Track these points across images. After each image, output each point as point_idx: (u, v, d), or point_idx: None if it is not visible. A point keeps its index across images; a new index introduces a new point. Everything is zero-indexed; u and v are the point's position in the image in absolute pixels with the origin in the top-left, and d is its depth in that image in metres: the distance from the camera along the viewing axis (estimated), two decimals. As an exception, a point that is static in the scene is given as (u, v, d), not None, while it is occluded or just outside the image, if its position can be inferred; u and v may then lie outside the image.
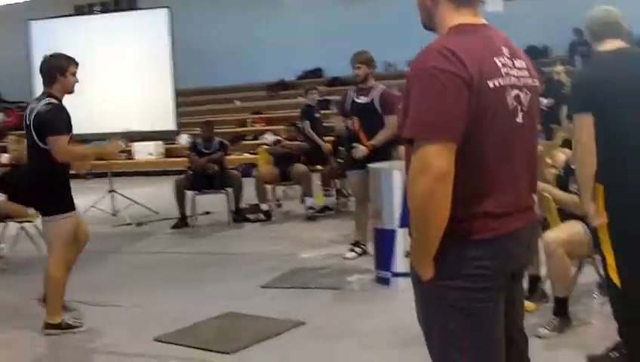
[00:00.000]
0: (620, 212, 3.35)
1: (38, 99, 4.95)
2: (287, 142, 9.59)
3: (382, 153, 6.42)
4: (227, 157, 9.53)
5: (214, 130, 9.67)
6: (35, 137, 4.83)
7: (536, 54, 15.24)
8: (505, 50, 2.19)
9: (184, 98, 15.81)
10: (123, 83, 10.14)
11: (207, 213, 9.62)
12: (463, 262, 2.12)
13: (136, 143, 16.17)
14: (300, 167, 9.27)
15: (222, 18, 18.07)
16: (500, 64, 2.13)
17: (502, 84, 2.11)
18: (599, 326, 4.36)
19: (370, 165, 5.95)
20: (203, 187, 9.11)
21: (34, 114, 4.83)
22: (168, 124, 10.19)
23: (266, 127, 17.11)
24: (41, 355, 4.77)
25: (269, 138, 16.11)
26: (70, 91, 4.98)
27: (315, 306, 5.31)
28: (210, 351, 4.48)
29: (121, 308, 5.62)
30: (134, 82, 10.10)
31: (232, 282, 6.19)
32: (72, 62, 4.98)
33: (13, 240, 7.73)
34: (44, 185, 4.91)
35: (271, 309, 5.27)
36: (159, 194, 11.85)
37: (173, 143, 17.34)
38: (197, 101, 17.86)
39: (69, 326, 5.02)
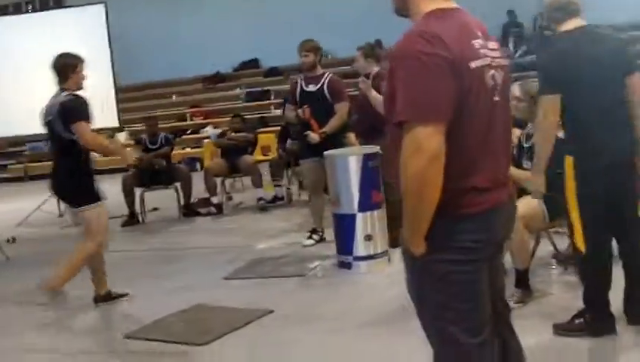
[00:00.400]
0: (590, 176, 3.60)
1: (56, 96, 5.24)
2: (234, 134, 9.59)
3: (333, 140, 6.50)
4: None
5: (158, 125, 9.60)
6: (62, 128, 5.08)
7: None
8: (479, 33, 2.30)
9: (121, 94, 15.60)
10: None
11: (156, 209, 9.58)
12: (453, 235, 2.23)
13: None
14: (248, 159, 9.30)
15: (152, 11, 17.85)
16: (477, 45, 2.24)
17: (481, 64, 2.22)
18: (560, 295, 4.58)
19: (326, 152, 6.03)
20: (151, 183, 9.06)
21: (57, 107, 5.12)
22: (112, 120, 10.02)
23: (205, 120, 17.04)
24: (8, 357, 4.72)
25: (211, 131, 16.11)
26: (80, 87, 5.27)
27: (281, 294, 5.39)
28: (183, 343, 4.51)
29: (85, 306, 5.58)
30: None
31: (194, 275, 6.22)
32: (80, 59, 5.33)
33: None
34: (77, 178, 5.25)
35: (237, 300, 5.31)
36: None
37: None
38: (134, 97, 17.61)
39: (119, 295, 5.54)
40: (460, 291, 2.27)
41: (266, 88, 17.64)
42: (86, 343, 4.82)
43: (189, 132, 16.59)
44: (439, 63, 2.11)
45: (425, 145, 2.08)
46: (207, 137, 15.61)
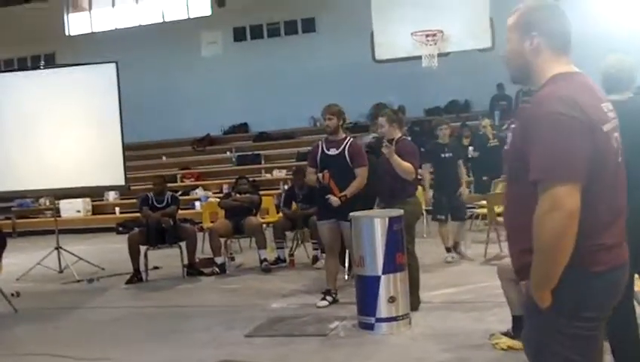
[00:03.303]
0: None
1: None
2: (238, 195, 9.71)
3: (352, 204, 6.64)
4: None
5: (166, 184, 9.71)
6: None
7: (458, 109, 16.08)
8: (603, 96, 2.48)
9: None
10: (68, 138, 10.02)
11: (157, 267, 9.59)
12: (580, 292, 2.34)
13: (62, 201, 15.88)
14: (253, 220, 9.42)
15: (145, 74, 18.09)
16: (605, 109, 2.41)
17: (610, 127, 2.39)
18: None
19: (352, 214, 6.17)
20: (157, 241, 9.10)
21: None
22: (119, 179, 10.10)
23: (196, 182, 17.15)
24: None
25: (201, 193, 16.22)
26: None
27: (307, 352, 5.45)
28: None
29: (109, 361, 5.59)
30: (80, 138, 10.00)
31: (213, 332, 6.25)
32: None
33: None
34: None
35: (262, 357, 5.39)
36: (100, 250, 11.71)
37: (101, 200, 17.13)
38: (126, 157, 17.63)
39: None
40: (582, 346, 2.38)
41: (256, 152, 17.88)
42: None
43: (179, 193, 16.63)
44: (578, 125, 2.24)
45: (563, 203, 2.20)
46: (198, 199, 15.73)
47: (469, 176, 11.21)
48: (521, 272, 2.40)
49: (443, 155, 8.87)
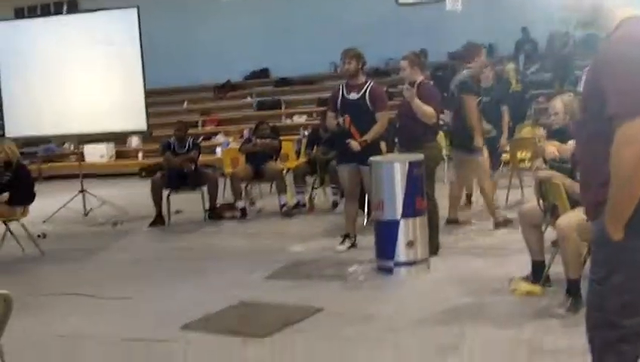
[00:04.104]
0: None
1: None
2: (259, 140, 9.72)
3: (371, 149, 6.65)
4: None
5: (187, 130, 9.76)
6: None
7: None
8: None
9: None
10: (91, 84, 10.08)
11: (178, 211, 9.68)
12: None
13: (86, 145, 16.01)
14: (273, 165, 9.46)
15: (165, 19, 17.95)
16: None
17: None
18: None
19: (372, 158, 6.18)
20: (179, 186, 9.19)
21: None
22: (140, 124, 10.16)
23: (218, 128, 17.19)
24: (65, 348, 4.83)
25: (222, 139, 16.26)
26: None
27: (327, 294, 5.52)
28: (244, 335, 4.65)
29: (133, 300, 5.71)
30: (103, 83, 10.05)
31: (234, 274, 6.35)
32: None
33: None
34: None
35: (283, 298, 5.46)
36: (123, 194, 11.84)
37: (124, 145, 17.23)
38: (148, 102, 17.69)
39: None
40: None
41: (276, 98, 17.83)
42: (142, 332, 4.92)
43: (200, 139, 16.69)
44: None
45: (639, 136, 2.31)
46: (219, 145, 15.77)
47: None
48: (598, 207, 2.50)
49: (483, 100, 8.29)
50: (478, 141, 7.16)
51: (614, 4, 2.54)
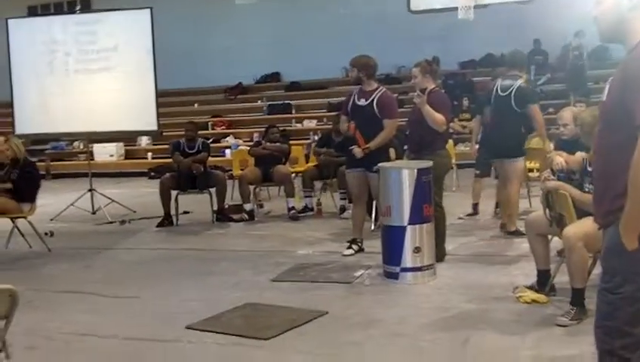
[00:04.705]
0: None
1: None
2: (269, 144, 9.75)
3: (379, 155, 6.66)
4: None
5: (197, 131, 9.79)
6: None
7: (494, 62, 15.84)
8: None
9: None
10: (103, 82, 10.15)
11: (187, 212, 9.72)
12: None
13: (96, 144, 16.09)
14: (282, 169, 9.48)
15: (180, 21, 18.04)
16: None
17: None
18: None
19: (381, 164, 6.20)
20: (187, 187, 9.22)
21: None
22: (151, 124, 10.21)
23: (227, 130, 17.23)
24: (67, 344, 4.85)
25: (232, 141, 16.32)
26: None
27: (332, 298, 5.53)
28: (247, 337, 4.66)
29: (138, 299, 5.74)
30: (115, 82, 10.12)
31: (241, 276, 6.37)
32: None
33: (7, 237, 7.74)
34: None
35: (288, 301, 5.47)
36: (131, 194, 11.90)
37: (134, 145, 17.31)
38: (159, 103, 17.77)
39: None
40: None
41: (287, 102, 17.88)
42: (146, 331, 4.94)
43: (210, 141, 16.73)
44: None
45: None
46: (229, 147, 15.82)
47: None
48: (610, 216, 2.55)
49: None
50: (547, 145, 7.21)
51: (637, 19, 2.57)
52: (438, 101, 6.46)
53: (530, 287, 5.21)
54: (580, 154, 5.02)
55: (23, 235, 7.76)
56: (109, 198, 10.23)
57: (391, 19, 15.59)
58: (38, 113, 10.57)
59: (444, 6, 10.60)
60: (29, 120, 10.69)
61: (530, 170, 8.45)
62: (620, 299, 2.55)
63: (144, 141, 17.12)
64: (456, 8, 10.51)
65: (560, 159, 5.43)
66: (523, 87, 7.29)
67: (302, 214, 9.36)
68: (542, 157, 7.40)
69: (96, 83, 10.21)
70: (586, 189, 4.77)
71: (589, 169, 4.87)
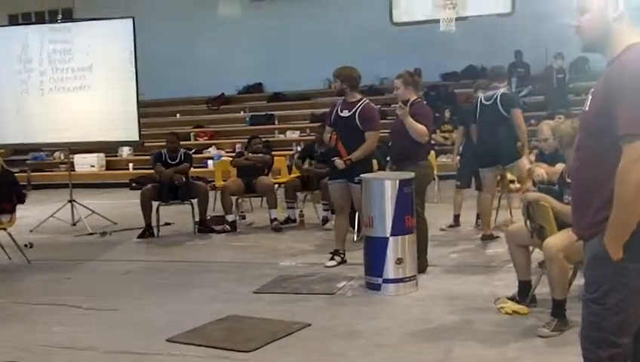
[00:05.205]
0: None
1: None
2: (251, 154, 9.73)
3: (361, 166, 6.66)
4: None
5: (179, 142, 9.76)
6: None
7: (475, 74, 15.96)
8: None
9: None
10: (84, 93, 10.08)
11: (168, 223, 9.67)
12: None
13: (77, 155, 15.99)
14: (265, 180, 9.46)
15: (160, 31, 17.99)
16: None
17: None
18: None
19: (363, 175, 6.21)
20: (169, 198, 9.18)
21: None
22: (133, 134, 10.15)
23: (209, 141, 17.19)
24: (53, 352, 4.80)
25: (214, 152, 16.27)
26: None
27: (314, 309, 5.52)
28: (229, 349, 4.63)
29: (119, 311, 5.69)
30: (97, 92, 10.06)
31: (223, 288, 6.33)
32: None
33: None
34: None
35: (271, 313, 5.45)
36: (112, 205, 11.82)
37: (115, 156, 17.21)
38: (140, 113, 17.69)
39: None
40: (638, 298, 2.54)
41: (270, 113, 17.88)
42: (126, 344, 4.90)
43: (192, 151, 16.68)
44: None
45: None
46: (211, 157, 15.78)
47: None
48: (593, 228, 2.56)
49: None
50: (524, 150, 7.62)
51: (622, 29, 2.59)
52: (420, 112, 6.48)
53: (512, 298, 5.23)
54: (560, 166, 5.06)
55: (2, 247, 7.69)
56: (89, 209, 10.15)
57: (373, 31, 15.63)
58: (17, 123, 10.47)
59: (427, 18, 10.62)
60: (8, 130, 10.59)
61: (511, 181, 8.49)
62: (605, 310, 2.56)
63: (125, 151, 17.03)
64: (437, 21, 10.55)
65: (540, 171, 5.48)
66: (506, 92, 7.75)
67: (284, 225, 9.33)
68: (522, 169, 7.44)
69: (77, 93, 10.12)
70: (566, 200, 4.80)
71: (568, 180, 4.91)
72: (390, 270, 5.85)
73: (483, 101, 7.68)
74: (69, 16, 18.68)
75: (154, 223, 9.10)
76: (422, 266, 6.31)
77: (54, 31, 10.42)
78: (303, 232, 9.03)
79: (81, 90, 10.13)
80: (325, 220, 9.16)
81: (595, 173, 2.56)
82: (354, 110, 6.79)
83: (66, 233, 9.57)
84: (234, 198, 9.48)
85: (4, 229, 7.50)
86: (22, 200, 7.76)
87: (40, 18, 19.69)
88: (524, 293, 5.19)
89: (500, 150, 7.50)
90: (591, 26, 2.63)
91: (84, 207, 10.18)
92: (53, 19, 17.33)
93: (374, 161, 7.49)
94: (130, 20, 10.00)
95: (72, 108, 10.14)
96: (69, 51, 10.10)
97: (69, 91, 10.17)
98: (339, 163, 6.72)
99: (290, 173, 10.75)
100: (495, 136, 7.48)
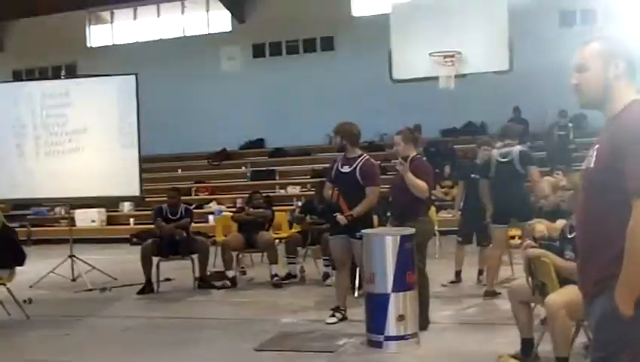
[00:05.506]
0: None
1: None
2: (252, 209, 9.75)
3: (362, 221, 6.68)
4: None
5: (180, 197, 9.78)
6: None
7: (475, 131, 16.10)
8: None
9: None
10: (86, 148, 10.15)
11: (168, 279, 9.63)
12: None
13: (77, 210, 16.00)
14: (266, 235, 9.45)
15: (162, 88, 18.23)
16: None
17: None
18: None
19: (364, 231, 6.21)
20: (169, 253, 9.16)
21: None
22: (134, 190, 10.18)
23: (210, 196, 17.22)
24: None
25: (215, 207, 16.30)
26: None
27: (315, 368, 5.47)
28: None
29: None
30: (98, 148, 10.13)
31: (223, 345, 6.28)
32: None
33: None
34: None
35: (271, 371, 5.40)
36: (113, 260, 11.79)
37: (116, 211, 17.23)
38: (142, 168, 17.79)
39: None
40: None
41: (271, 168, 17.97)
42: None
43: (193, 206, 16.70)
44: None
45: None
46: (212, 213, 15.79)
47: None
48: (600, 284, 2.55)
49: (473, 176, 8.47)
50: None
51: (622, 87, 2.63)
52: (420, 168, 6.52)
53: (514, 356, 5.17)
54: (560, 222, 5.07)
55: (1, 302, 7.64)
56: (89, 265, 10.12)
57: (373, 88, 15.83)
58: (21, 178, 10.51)
59: (426, 75, 10.74)
60: (12, 184, 10.62)
61: (512, 238, 8.48)
62: None
63: (127, 207, 17.05)
64: (437, 78, 10.67)
65: (541, 227, 5.50)
66: (526, 150, 7.79)
67: (285, 281, 9.30)
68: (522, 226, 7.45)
69: (78, 148, 10.17)
70: (567, 257, 4.80)
71: (569, 236, 4.92)
72: (392, 327, 5.81)
73: (499, 158, 7.67)
74: (72, 72, 18.92)
75: (154, 279, 9.06)
76: (423, 323, 6.26)
77: (58, 87, 10.53)
78: (304, 288, 8.99)
79: (83, 146, 10.19)
80: (326, 276, 9.13)
81: (602, 229, 2.56)
82: (354, 166, 6.84)
83: (66, 289, 9.51)
84: (234, 254, 9.46)
85: (4, 284, 7.47)
86: (21, 263, 7.71)
87: (44, 74, 19.97)
88: (527, 351, 5.15)
89: (516, 207, 7.46)
90: (590, 83, 2.67)
91: (85, 262, 10.14)
92: (56, 75, 17.54)
93: (374, 217, 7.52)
94: (134, 77, 10.12)
95: (72, 163, 10.18)
96: (73, 106, 10.18)
97: (72, 146, 10.22)
98: (341, 218, 6.73)
99: (290, 228, 10.75)
100: (511, 193, 7.47)
